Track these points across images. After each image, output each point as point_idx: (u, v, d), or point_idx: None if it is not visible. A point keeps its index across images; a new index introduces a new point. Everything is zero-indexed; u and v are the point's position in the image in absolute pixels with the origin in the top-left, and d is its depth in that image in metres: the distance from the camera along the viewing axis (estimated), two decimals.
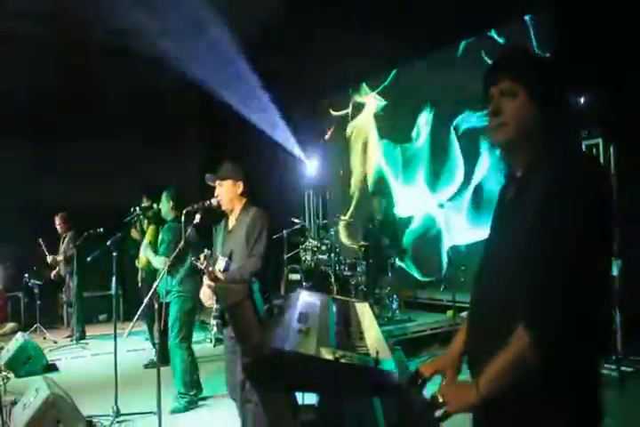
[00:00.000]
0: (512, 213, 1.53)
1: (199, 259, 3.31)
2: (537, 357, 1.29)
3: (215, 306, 3.40)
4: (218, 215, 3.66)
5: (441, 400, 1.39)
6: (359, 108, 9.69)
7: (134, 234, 6.89)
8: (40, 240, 8.03)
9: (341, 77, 9.13)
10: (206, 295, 3.50)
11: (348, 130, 9.93)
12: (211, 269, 3.28)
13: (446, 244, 7.93)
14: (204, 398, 4.91)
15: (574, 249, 1.32)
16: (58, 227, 8.10)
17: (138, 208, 6.20)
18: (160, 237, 5.01)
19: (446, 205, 7.26)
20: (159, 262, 4.81)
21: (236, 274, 3.27)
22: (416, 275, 8.25)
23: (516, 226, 1.47)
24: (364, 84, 9.57)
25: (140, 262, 5.21)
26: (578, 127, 1.47)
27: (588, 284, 1.32)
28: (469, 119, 7.61)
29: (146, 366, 6.14)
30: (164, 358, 6.01)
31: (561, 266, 1.32)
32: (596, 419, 1.39)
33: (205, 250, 3.38)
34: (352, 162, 9.90)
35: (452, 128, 7.83)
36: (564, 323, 1.29)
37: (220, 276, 3.30)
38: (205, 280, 3.39)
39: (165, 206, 5.01)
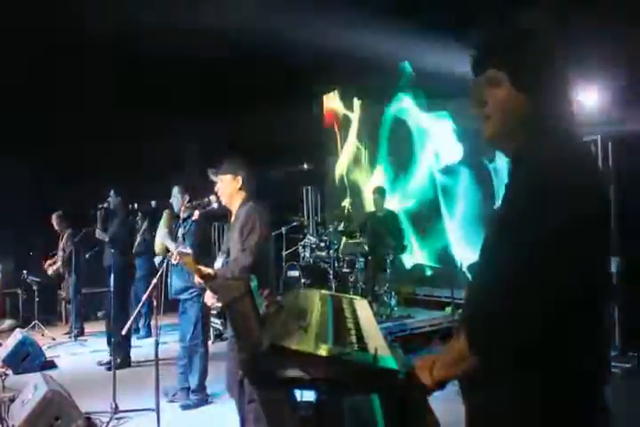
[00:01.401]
0: (498, 211, 1.44)
1: (172, 253, 3.31)
2: (474, 364, 1.28)
3: (217, 304, 3.40)
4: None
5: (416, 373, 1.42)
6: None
7: (100, 235, 6.47)
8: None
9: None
10: (209, 296, 3.50)
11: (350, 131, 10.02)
12: (198, 266, 3.28)
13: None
14: None
15: (531, 258, 1.21)
16: (55, 225, 8.11)
17: (106, 204, 6.17)
18: (182, 231, 4.76)
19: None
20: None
21: (227, 270, 3.26)
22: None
23: (495, 225, 1.41)
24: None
25: (157, 249, 5.08)
26: (572, 117, 1.31)
27: (542, 293, 1.21)
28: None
29: (109, 368, 5.70)
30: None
31: (508, 274, 1.24)
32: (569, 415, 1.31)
33: (180, 246, 3.37)
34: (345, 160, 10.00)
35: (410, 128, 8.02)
36: (503, 337, 1.24)
37: (210, 271, 3.30)
38: (196, 278, 3.38)
39: (178, 202, 4.88)
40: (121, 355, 5.97)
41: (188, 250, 3.41)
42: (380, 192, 7.35)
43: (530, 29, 1.44)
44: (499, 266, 1.27)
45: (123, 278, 5.74)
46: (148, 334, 7.40)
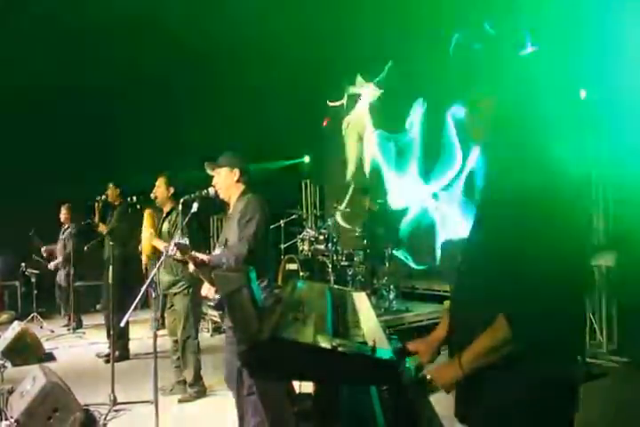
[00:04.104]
0: (488, 213, 1.59)
1: (169, 245, 3.31)
2: (512, 347, 1.40)
3: (216, 296, 3.40)
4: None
5: (429, 377, 1.50)
6: (354, 98, 9.63)
7: (102, 228, 6.35)
8: (33, 231, 8.07)
9: (337, 68, 9.07)
10: (205, 288, 3.50)
11: (345, 120, 9.87)
12: (192, 254, 3.29)
13: (440, 236, 7.96)
14: None
15: (546, 250, 1.38)
16: (62, 217, 8.06)
17: (104, 196, 6.17)
18: (167, 225, 4.75)
19: (440, 195, 7.36)
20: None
21: (222, 257, 3.26)
22: (411, 264, 8.22)
23: (489, 225, 1.54)
24: (358, 76, 9.52)
25: (145, 251, 4.95)
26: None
27: (563, 284, 1.39)
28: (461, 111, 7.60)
29: (107, 360, 5.74)
30: None
31: (536, 268, 1.38)
32: (567, 407, 1.47)
33: (176, 237, 3.36)
34: (348, 152, 9.86)
35: (446, 118, 7.82)
36: (544, 323, 1.38)
37: (205, 258, 3.30)
38: (190, 266, 3.40)
39: (164, 193, 4.78)
40: (120, 347, 5.98)
41: (186, 241, 3.40)
42: (363, 192, 7.39)
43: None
44: (531, 255, 1.39)
45: (121, 270, 5.73)
46: None
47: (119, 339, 6.00)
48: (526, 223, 1.40)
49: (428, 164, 8.21)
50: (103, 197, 6.30)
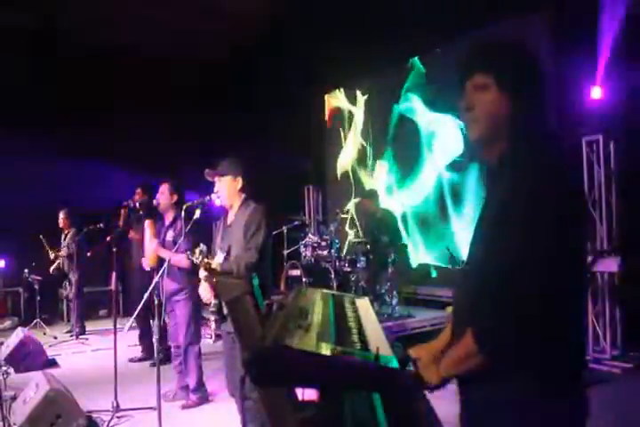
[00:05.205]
0: (483, 211, 1.51)
1: (194, 253, 3.33)
2: (481, 362, 1.34)
3: (214, 301, 3.41)
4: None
5: (415, 374, 1.49)
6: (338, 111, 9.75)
7: (133, 235, 6.32)
8: (41, 236, 8.03)
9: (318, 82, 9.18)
10: (205, 290, 3.50)
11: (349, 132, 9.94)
12: (205, 260, 3.30)
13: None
14: None
15: (527, 259, 1.29)
16: (60, 222, 8.06)
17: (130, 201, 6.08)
18: (172, 233, 4.68)
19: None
20: (182, 261, 4.34)
21: (232, 265, 3.28)
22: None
23: (483, 226, 1.48)
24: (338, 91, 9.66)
25: (150, 261, 4.86)
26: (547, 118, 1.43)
27: (542, 293, 1.29)
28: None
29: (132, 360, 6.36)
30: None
31: (512, 273, 1.30)
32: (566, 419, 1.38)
33: (201, 244, 3.38)
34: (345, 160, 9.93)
35: (418, 125, 7.94)
36: (510, 336, 1.30)
37: (216, 266, 3.31)
38: (201, 272, 3.41)
39: (167, 200, 4.72)
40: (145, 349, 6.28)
41: (205, 248, 3.41)
42: (371, 195, 7.41)
43: (515, 40, 1.57)
44: (501, 265, 1.32)
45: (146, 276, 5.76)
46: None
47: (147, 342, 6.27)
48: (510, 231, 1.32)
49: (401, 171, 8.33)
50: (130, 202, 6.19)
